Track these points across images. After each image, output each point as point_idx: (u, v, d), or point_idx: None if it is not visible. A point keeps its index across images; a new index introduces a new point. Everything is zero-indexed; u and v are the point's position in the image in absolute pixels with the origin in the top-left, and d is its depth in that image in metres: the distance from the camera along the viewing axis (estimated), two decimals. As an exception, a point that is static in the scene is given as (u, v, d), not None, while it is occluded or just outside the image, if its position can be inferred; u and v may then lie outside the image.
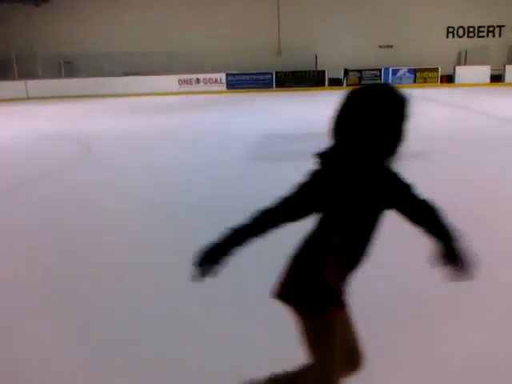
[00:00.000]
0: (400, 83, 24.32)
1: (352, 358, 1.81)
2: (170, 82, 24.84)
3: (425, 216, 1.65)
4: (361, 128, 1.56)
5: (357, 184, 1.57)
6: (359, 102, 1.62)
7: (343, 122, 1.61)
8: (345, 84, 24.78)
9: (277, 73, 25.07)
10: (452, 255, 1.61)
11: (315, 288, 1.63)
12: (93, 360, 2.55)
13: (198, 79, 25.11)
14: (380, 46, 25.96)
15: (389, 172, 1.60)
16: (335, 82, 24.82)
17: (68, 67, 25.72)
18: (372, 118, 1.56)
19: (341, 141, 1.61)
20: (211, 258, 1.60)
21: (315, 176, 1.63)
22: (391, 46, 25.93)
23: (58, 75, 25.31)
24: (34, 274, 3.68)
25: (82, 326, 2.91)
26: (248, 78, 25.09)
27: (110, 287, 3.43)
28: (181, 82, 25.12)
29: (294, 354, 1.88)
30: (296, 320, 1.69)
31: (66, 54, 25.13)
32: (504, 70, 24.46)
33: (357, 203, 1.58)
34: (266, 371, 1.97)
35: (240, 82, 25.08)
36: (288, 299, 1.69)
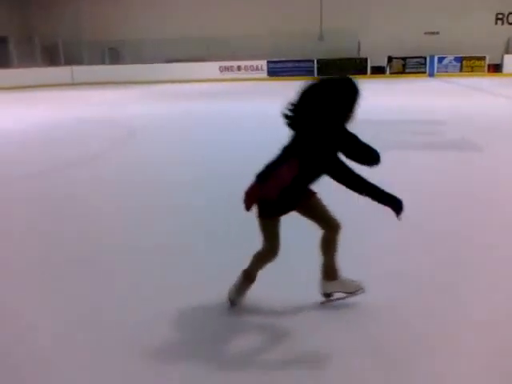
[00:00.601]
0: (446, 71, 23.76)
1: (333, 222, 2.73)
2: (211, 68, 25.01)
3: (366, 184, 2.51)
4: (321, 106, 2.51)
5: (317, 138, 2.49)
6: (323, 90, 2.62)
7: (310, 102, 2.58)
8: (388, 72, 24.32)
9: (318, 60, 24.81)
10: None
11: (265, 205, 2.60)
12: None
13: (239, 66, 25.16)
14: (426, 33, 25.23)
15: (343, 131, 2.51)
16: (378, 70, 24.38)
17: (112, 54, 26.24)
18: (328, 99, 2.53)
19: (307, 114, 2.55)
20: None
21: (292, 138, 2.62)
22: (437, 33, 25.17)
23: (102, 61, 25.85)
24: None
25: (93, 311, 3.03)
26: (289, 65, 24.94)
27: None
28: (222, 69, 25.24)
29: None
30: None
31: (110, 40, 25.64)
32: (556, 59, 23.46)
33: (316, 150, 2.49)
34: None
35: (281, 69, 24.97)
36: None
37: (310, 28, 25.38)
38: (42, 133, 10.08)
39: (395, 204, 2.50)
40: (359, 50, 25.28)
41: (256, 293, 2.86)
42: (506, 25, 25.39)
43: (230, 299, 2.86)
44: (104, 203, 5.19)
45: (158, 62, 24.89)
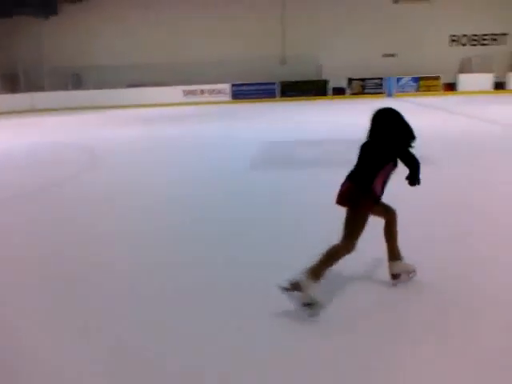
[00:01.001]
0: (403, 91, 24.48)
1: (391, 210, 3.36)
2: (174, 93, 25.06)
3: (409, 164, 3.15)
4: (386, 131, 3.18)
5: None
6: (386, 117, 3.23)
7: (379, 126, 3.21)
8: (348, 93, 24.91)
9: (281, 82, 25.24)
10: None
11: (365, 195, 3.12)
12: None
13: (202, 90, 25.32)
14: (384, 55, 26.05)
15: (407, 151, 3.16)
16: (339, 91, 24.96)
17: (75, 79, 26.02)
18: (392, 126, 3.19)
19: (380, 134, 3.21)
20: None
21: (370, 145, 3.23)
22: (395, 55, 26.03)
23: (64, 87, 25.59)
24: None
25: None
26: (253, 88, 25.27)
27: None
28: (185, 92, 25.33)
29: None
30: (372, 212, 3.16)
31: (72, 66, 25.45)
32: (507, 78, 24.51)
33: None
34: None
35: (245, 91, 25.26)
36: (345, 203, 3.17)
37: (273, 52, 25.89)
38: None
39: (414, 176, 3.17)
40: (320, 72, 25.85)
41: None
42: (459, 46, 26.46)
43: (392, 276, 3.43)
44: (68, 225, 5.12)
45: (120, 87, 24.82)
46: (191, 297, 3.36)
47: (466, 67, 25.87)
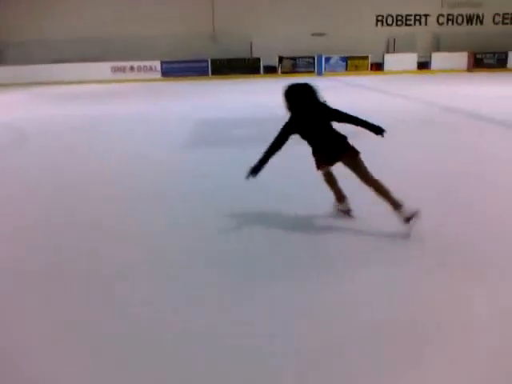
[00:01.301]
0: (333, 70, 25.01)
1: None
2: (102, 69, 24.23)
3: (351, 118, 3.90)
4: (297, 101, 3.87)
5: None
6: (294, 90, 3.91)
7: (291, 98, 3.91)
8: (279, 71, 25.13)
9: (212, 60, 25.04)
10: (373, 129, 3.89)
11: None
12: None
13: (132, 67, 24.65)
14: (313, 34, 26.42)
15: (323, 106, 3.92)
16: (270, 70, 25.13)
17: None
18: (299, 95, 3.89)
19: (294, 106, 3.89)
20: (254, 170, 3.76)
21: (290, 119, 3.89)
22: (324, 34, 26.48)
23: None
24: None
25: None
26: (183, 65, 24.88)
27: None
28: (114, 69, 24.56)
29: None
30: (350, 163, 3.85)
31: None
32: (430, 58, 25.63)
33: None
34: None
35: (175, 69, 24.84)
36: (341, 156, 3.88)
37: (203, 29, 25.57)
38: None
39: (376, 128, 3.84)
40: (251, 50, 25.87)
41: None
42: (385, 26, 27.31)
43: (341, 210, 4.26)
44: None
45: (45, 63, 23.66)
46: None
47: (391, 47, 26.79)
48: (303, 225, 4.20)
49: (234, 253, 3.67)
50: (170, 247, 3.83)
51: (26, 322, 2.84)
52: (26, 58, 23.63)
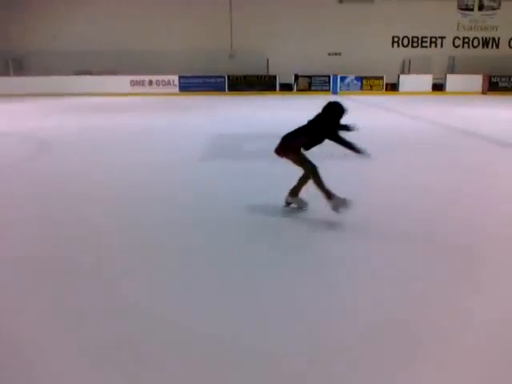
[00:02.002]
0: (348, 90, 25.29)
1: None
2: (121, 82, 24.79)
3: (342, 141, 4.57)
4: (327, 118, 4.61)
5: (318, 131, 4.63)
6: (328, 108, 4.61)
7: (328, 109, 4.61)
8: (295, 89, 25.47)
9: (229, 76, 25.47)
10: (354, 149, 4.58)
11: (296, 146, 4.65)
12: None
13: (150, 81, 25.17)
14: (329, 54, 26.82)
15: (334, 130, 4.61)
16: (286, 87, 25.49)
17: (16, 65, 25.20)
18: (331, 114, 4.61)
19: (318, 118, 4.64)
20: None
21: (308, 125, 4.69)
22: (339, 54, 26.85)
23: (5, 73, 24.74)
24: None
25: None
26: (201, 80, 25.35)
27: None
28: (133, 83, 25.10)
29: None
30: (290, 158, 4.68)
31: (14, 51, 24.65)
32: (445, 79, 25.83)
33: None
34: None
35: (193, 84, 25.31)
36: (286, 152, 4.69)
37: (221, 46, 26.09)
38: None
39: (357, 150, 4.55)
40: (268, 68, 26.29)
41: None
42: (401, 47, 27.63)
43: (286, 202, 4.96)
44: (16, 214, 5.19)
45: (66, 75, 24.27)
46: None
47: (406, 68, 27.05)
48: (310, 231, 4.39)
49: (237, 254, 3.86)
50: (182, 250, 4.03)
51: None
52: (46, 68, 24.24)
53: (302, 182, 4.80)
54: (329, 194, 4.57)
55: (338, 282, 3.45)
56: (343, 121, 4.65)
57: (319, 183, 4.58)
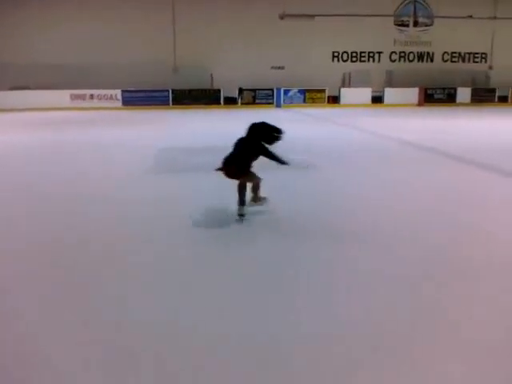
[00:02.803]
0: (291, 103, 25.74)
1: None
2: (61, 97, 24.10)
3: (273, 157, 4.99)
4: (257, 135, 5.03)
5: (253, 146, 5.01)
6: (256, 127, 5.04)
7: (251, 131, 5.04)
8: (239, 103, 25.65)
9: (173, 90, 25.35)
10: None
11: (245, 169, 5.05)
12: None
13: (91, 95, 24.63)
14: (272, 67, 27.24)
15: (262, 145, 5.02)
16: (230, 101, 25.63)
17: None
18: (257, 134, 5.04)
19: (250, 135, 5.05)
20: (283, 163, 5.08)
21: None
22: (283, 68, 27.33)
23: None
24: None
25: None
26: (144, 94, 25.07)
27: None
28: (73, 97, 24.47)
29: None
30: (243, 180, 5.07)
31: None
32: (383, 92, 26.78)
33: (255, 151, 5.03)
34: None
35: (136, 98, 24.98)
36: (240, 176, 5.04)
37: (165, 59, 25.95)
38: None
39: (284, 163, 5.00)
40: (212, 81, 26.37)
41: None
42: (341, 62, 28.46)
43: (239, 215, 5.07)
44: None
45: (1, 90, 23.37)
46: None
47: (346, 81, 27.87)
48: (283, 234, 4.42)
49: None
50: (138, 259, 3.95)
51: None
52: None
53: (256, 189, 5.41)
54: (257, 199, 5.45)
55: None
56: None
57: (257, 189, 5.40)
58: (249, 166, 5.12)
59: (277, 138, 5.04)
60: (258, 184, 5.32)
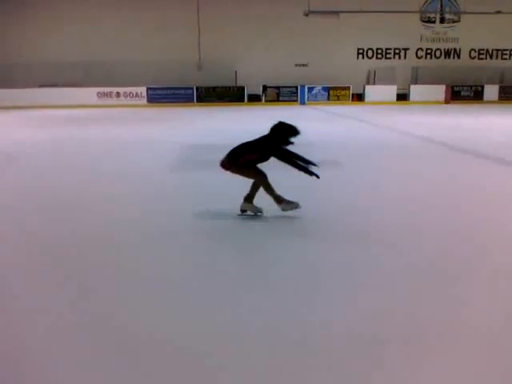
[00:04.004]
0: (315, 100, 25.68)
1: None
2: (88, 94, 24.56)
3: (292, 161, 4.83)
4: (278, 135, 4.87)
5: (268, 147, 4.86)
6: (278, 127, 4.89)
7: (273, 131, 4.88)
8: (263, 100, 25.70)
9: (198, 88, 25.53)
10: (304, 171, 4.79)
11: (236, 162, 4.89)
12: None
13: (118, 93, 25.01)
14: (296, 65, 27.20)
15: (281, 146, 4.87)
16: (254, 98, 25.70)
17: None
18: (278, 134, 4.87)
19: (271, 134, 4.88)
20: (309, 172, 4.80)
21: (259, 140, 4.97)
22: (307, 65, 27.26)
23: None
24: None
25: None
26: (169, 92, 25.34)
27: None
28: (100, 95, 24.90)
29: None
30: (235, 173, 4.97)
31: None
32: (409, 90, 26.50)
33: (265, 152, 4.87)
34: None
35: (161, 96, 25.28)
36: (231, 168, 4.95)
37: (189, 57, 26.16)
38: None
39: (311, 173, 4.74)
40: (236, 79, 26.47)
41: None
42: (366, 59, 28.24)
43: (241, 210, 5.07)
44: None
45: (31, 87, 23.90)
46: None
47: (371, 79, 27.65)
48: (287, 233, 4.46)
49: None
50: (153, 259, 4.04)
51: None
52: (12, 81, 23.83)
53: (254, 189, 5.04)
54: (278, 199, 4.94)
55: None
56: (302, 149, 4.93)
57: (268, 189, 4.91)
58: (243, 160, 4.87)
59: (290, 142, 4.86)
60: (260, 183, 4.97)
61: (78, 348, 2.72)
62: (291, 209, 4.97)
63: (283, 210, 4.98)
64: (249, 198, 5.09)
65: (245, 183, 5.13)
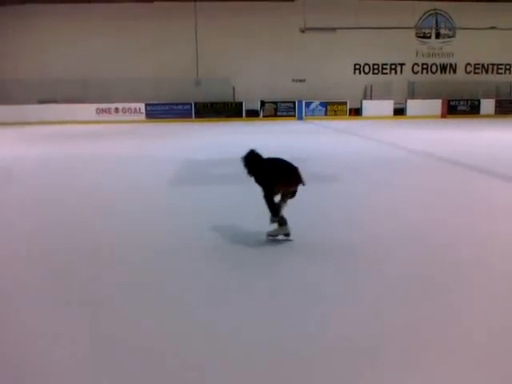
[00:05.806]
0: (313, 115, 25.83)
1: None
2: (87, 110, 24.69)
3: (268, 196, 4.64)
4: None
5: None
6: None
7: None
8: (261, 115, 25.85)
9: (196, 103, 25.69)
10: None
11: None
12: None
13: (116, 108, 25.14)
14: (293, 80, 27.42)
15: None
16: (252, 114, 25.85)
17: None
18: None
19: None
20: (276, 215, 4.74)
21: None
22: (304, 80, 27.48)
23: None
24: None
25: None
26: (167, 107, 25.49)
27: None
28: (99, 110, 25.03)
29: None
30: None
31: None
32: (406, 104, 26.69)
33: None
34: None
35: (160, 112, 25.42)
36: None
37: (188, 73, 26.34)
38: None
39: (274, 214, 4.67)
40: (234, 94, 26.66)
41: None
42: (362, 74, 28.48)
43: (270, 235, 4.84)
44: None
45: (30, 103, 24.03)
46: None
47: (368, 94, 27.86)
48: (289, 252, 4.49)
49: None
50: (158, 272, 4.07)
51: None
52: (11, 98, 23.94)
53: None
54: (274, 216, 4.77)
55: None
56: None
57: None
58: (268, 181, 4.68)
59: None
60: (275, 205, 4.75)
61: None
62: (276, 235, 4.84)
63: (268, 234, 4.87)
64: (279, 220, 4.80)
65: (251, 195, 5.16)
